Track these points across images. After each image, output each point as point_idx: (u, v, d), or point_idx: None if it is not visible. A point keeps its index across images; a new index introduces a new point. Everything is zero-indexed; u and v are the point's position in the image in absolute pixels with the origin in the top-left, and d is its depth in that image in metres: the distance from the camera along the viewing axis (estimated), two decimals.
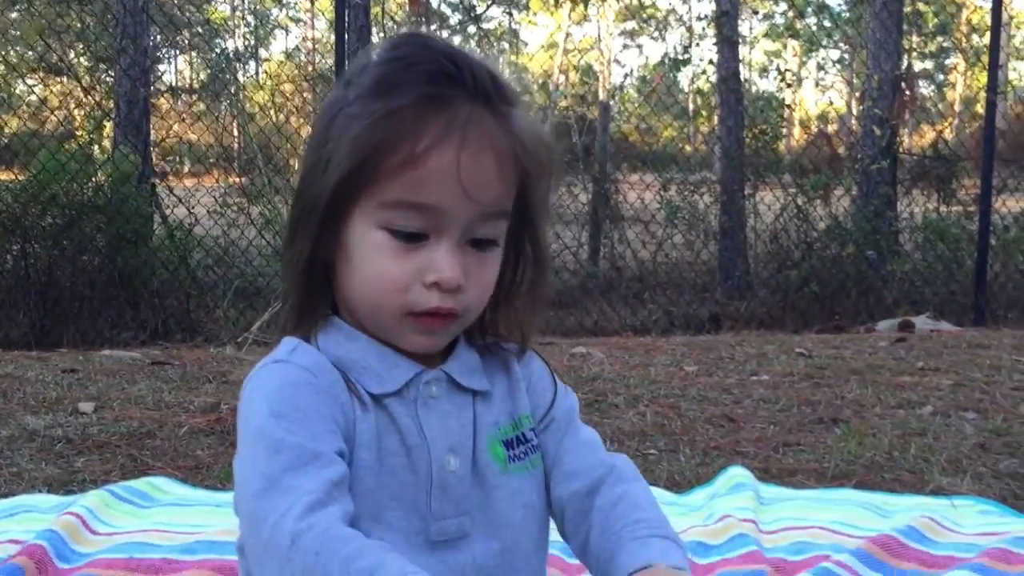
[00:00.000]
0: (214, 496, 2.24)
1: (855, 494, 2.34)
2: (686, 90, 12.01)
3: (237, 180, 7.36)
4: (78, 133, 6.95)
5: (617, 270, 7.08)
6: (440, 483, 1.07)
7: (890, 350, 4.49)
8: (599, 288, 6.83)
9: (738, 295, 6.83)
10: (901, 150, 7.53)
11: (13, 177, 5.99)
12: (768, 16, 21.27)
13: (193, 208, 6.43)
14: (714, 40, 8.11)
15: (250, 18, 19.72)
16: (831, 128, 10.03)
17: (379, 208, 1.02)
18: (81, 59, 8.23)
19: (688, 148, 9.97)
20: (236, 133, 8.36)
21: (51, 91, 7.87)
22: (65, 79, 7.50)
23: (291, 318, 1.10)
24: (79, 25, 7.67)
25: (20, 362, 3.86)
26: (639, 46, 21.29)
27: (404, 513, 1.05)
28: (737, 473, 2.38)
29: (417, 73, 1.02)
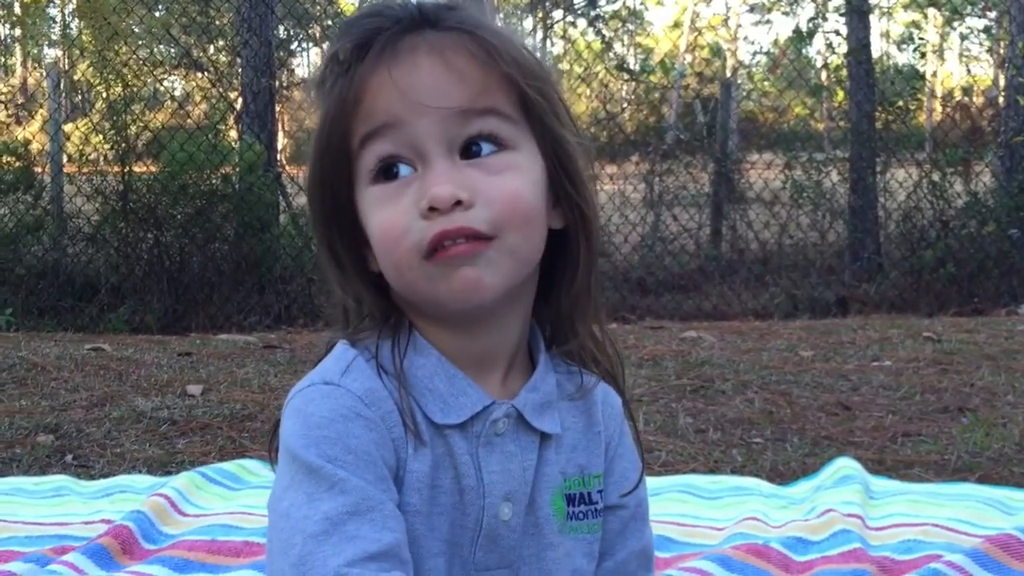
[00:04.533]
0: None
1: (977, 489, 2.17)
2: (817, 65, 11.57)
3: None
4: (207, 124, 7.18)
5: (739, 252, 6.85)
6: (489, 533, 0.99)
7: None
8: (719, 271, 6.62)
9: (868, 277, 6.50)
10: None
11: (146, 170, 6.25)
12: None
13: None
14: (842, 11, 7.75)
15: None
16: (977, 101, 9.44)
17: (359, 165, 0.97)
18: (220, 55, 8.49)
19: (820, 126, 9.58)
20: None
21: (184, 87, 8.16)
22: (201, 74, 7.76)
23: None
24: (204, 19, 7.92)
25: (141, 346, 4.00)
26: (768, 22, 20.62)
27: (447, 559, 0.99)
28: (845, 464, 2.24)
29: (348, 36, 0.99)
